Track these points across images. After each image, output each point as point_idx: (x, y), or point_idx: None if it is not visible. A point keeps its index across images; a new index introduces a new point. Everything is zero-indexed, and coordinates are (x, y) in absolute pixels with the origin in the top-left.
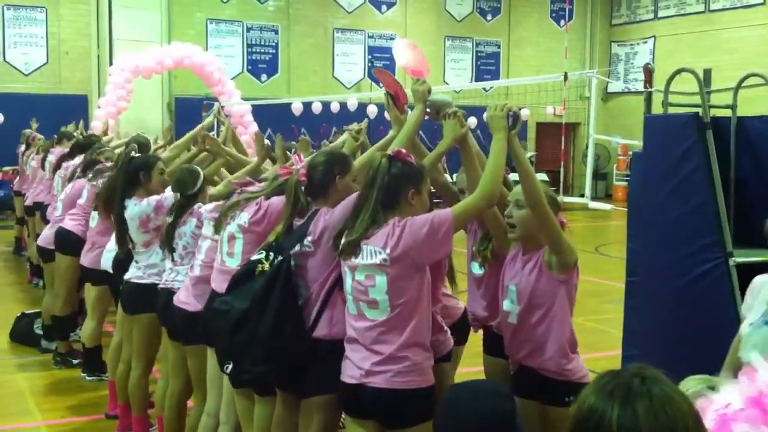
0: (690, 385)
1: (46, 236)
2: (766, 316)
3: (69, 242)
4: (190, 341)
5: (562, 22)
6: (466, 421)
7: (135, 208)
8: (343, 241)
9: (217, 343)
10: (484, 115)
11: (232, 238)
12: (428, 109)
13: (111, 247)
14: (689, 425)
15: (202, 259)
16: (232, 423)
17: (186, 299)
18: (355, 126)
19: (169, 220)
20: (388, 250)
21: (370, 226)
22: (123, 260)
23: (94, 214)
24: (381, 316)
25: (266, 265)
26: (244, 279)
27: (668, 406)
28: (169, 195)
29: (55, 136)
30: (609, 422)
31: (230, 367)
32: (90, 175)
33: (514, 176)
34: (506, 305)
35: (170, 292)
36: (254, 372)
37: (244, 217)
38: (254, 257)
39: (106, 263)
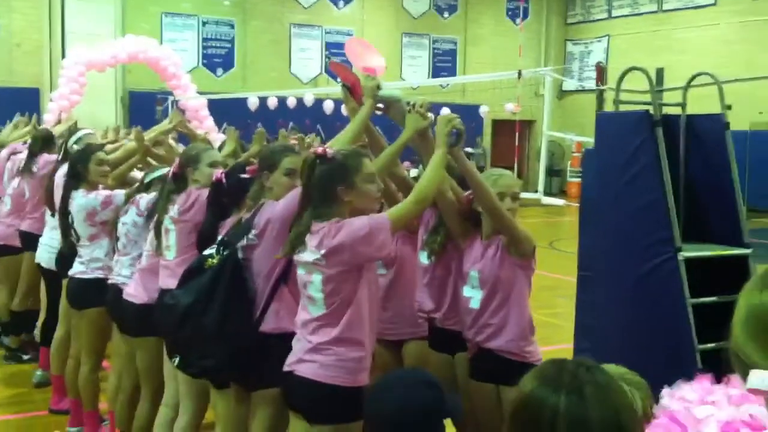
0: None
1: None
2: None
3: (30, 240)
4: (138, 334)
5: (518, 20)
6: (388, 410)
7: (82, 200)
8: (290, 235)
9: (165, 337)
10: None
11: (166, 231)
12: (379, 105)
13: (44, 240)
14: (631, 412)
15: (147, 249)
16: (190, 412)
17: (134, 291)
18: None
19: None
20: (323, 250)
21: (313, 223)
22: (67, 256)
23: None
24: (317, 312)
25: (216, 260)
26: (194, 274)
27: (613, 394)
28: (119, 192)
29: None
30: (555, 409)
31: (177, 360)
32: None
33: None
34: (467, 291)
35: (118, 287)
36: (201, 365)
37: (174, 209)
38: (206, 252)
39: (40, 257)
